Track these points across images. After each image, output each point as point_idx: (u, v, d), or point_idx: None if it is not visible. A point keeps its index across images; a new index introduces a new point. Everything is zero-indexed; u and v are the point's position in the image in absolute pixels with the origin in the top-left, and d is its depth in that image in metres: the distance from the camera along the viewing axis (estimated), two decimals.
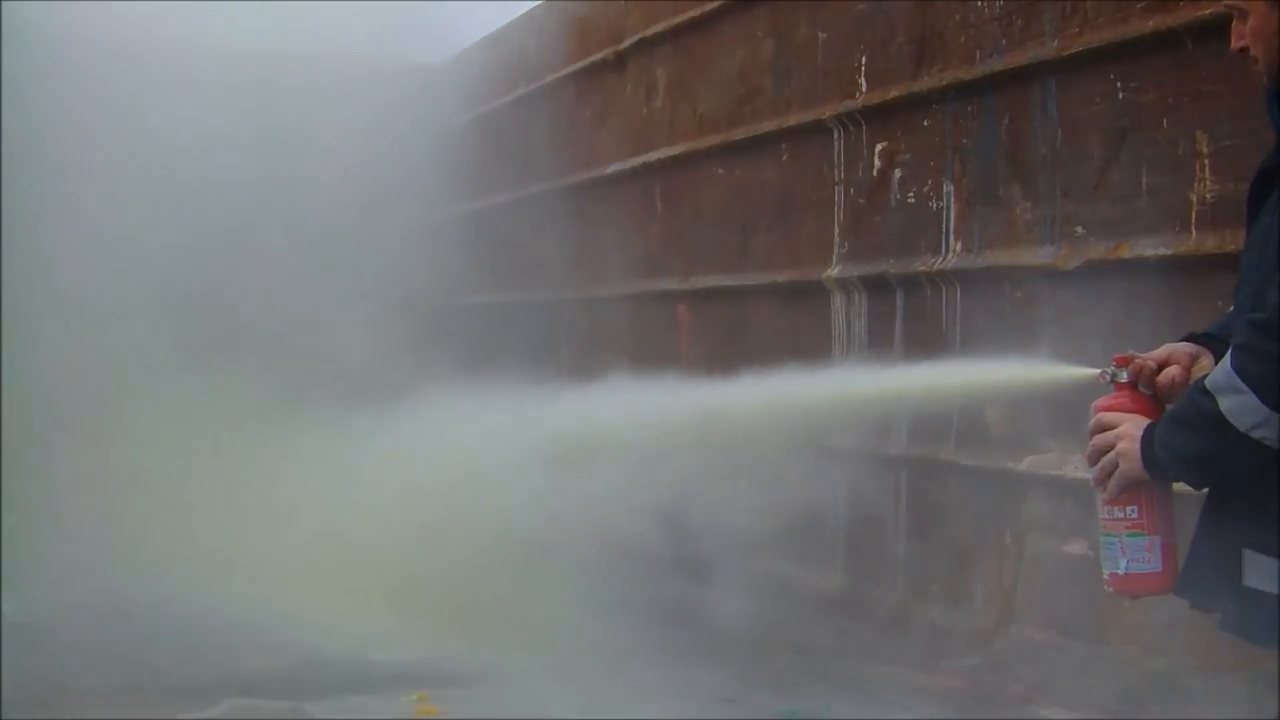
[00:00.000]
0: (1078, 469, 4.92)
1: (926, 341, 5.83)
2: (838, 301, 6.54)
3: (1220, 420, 2.01)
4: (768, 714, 5.03)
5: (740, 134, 7.36)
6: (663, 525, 5.87)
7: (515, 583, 6.10)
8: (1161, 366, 2.26)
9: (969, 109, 5.69)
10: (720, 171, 7.65)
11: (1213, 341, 2.27)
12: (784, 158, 7.04)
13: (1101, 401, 2.27)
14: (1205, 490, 2.19)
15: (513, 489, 6.08)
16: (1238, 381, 1.99)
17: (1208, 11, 4.51)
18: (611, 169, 8.77)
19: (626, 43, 8.59)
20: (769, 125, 7.10)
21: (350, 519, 6.72)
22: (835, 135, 6.53)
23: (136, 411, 7.84)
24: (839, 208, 6.54)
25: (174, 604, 6.39)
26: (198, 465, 7.46)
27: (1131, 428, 2.18)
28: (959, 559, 5.72)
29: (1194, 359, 2.26)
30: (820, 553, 6.51)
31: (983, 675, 5.29)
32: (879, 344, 6.21)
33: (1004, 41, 5.49)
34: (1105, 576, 2.28)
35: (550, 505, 5.82)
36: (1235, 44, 2.21)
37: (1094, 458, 2.24)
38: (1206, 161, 4.59)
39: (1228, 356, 2.04)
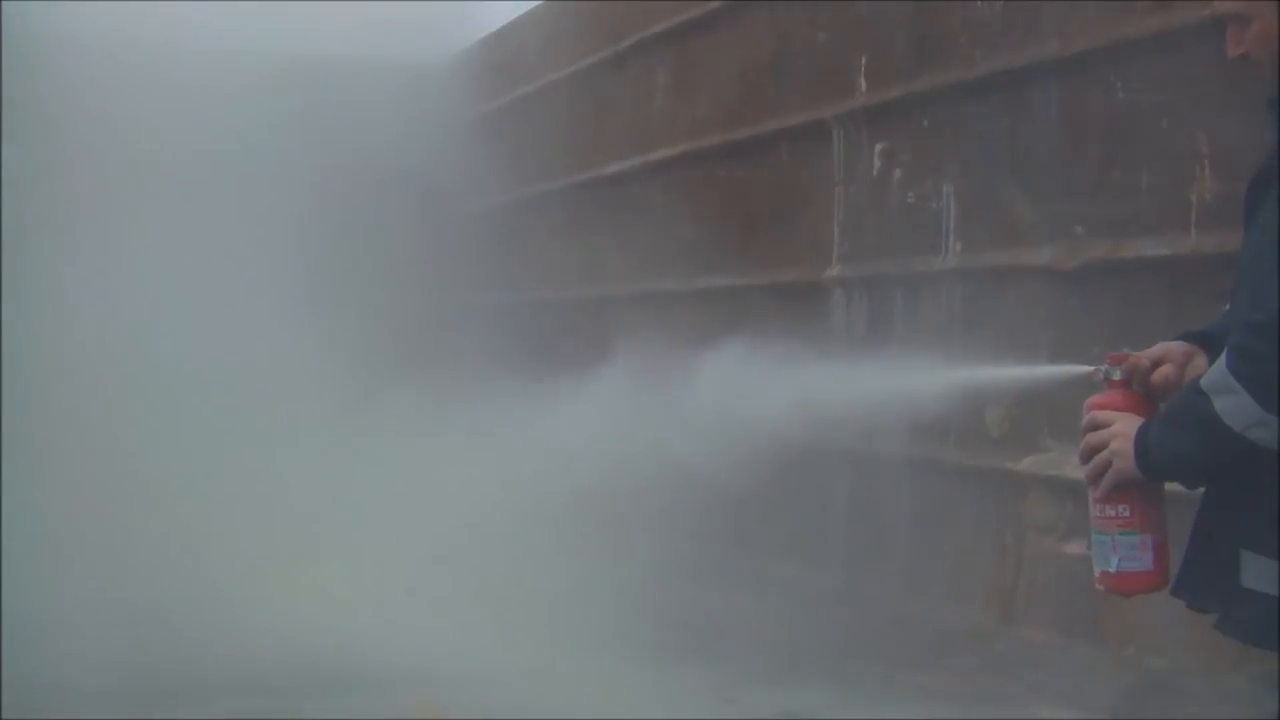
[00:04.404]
0: (1077, 469, 4.91)
1: (925, 341, 5.82)
2: (838, 301, 6.54)
3: (1215, 420, 2.00)
4: (768, 714, 5.03)
5: (740, 134, 7.36)
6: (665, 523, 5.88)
7: (516, 582, 6.10)
8: (1155, 365, 2.25)
9: (969, 109, 5.68)
10: (720, 172, 7.64)
11: (1208, 341, 2.25)
12: (784, 158, 7.03)
13: (1094, 400, 2.26)
14: (1199, 490, 2.18)
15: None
16: (1233, 382, 1.98)
17: (1207, 12, 4.50)
18: (611, 169, 8.77)
19: (626, 43, 8.59)
20: (769, 125, 7.09)
21: (349, 519, 6.72)
22: (835, 135, 6.52)
23: (137, 413, 7.84)
24: (839, 208, 6.53)
25: (173, 605, 6.38)
26: (197, 467, 7.46)
27: (1125, 426, 2.17)
28: (959, 559, 5.71)
29: (1188, 358, 2.25)
30: (820, 552, 6.50)
31: (983, 675, 5.28)
32: (879, 344, 6.20)
33: (1004, 41, 5.48)
34: (1096, 574, 2.28)
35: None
36: (1234, 50, 2.17)
37: (1086, 455, 2.24)
38: (1206, 161, 4.58)
39: (1223, 357, 2.02)
